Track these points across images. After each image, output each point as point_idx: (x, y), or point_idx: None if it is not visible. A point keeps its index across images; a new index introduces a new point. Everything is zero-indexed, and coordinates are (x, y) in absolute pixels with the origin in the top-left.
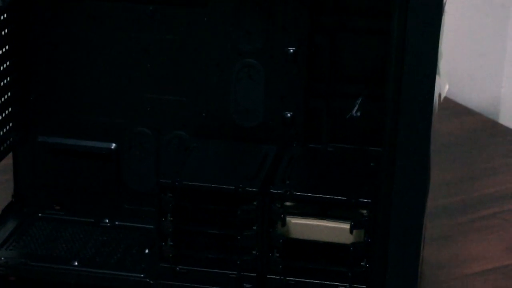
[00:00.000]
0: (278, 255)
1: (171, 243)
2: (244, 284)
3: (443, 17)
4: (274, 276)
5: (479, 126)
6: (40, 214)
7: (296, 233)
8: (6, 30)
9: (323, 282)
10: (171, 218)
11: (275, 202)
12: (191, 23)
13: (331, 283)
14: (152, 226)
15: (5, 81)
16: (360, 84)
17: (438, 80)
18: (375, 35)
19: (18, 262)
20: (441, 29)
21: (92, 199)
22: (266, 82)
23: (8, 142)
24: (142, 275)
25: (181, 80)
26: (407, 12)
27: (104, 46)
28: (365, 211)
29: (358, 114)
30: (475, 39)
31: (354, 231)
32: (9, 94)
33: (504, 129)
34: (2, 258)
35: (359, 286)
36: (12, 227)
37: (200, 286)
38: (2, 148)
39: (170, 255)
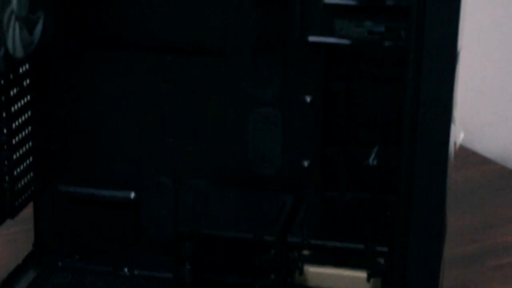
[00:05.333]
0: None
1: None
2: None
3: (457, 65)
4: None
5: (495, 174)
6: (60, 263)
7: (313, 282)
8: (27, 81)
9: None
10: (189, 267)
11: (293, 251)
12: (209, 72)
13: None
14: (171, 275)
15: (26, 131)
16: (376, 132)
17: (453, 128)
18: (391, 82)
19: None
20: (456, 77)
21: (111, 248)
22: (283, 130)
23: (28, 191)
24: None
25: (199, 129)
26: (422, 60)
27: (123, 95)
28: (382, 260)
29: (375, 162)
30: (491, 87)
31: (371, 280)
32: (30, 144)
33: None
34: None
35: None
36: (33, 277)
37: None
38: (22, 198)
39: None
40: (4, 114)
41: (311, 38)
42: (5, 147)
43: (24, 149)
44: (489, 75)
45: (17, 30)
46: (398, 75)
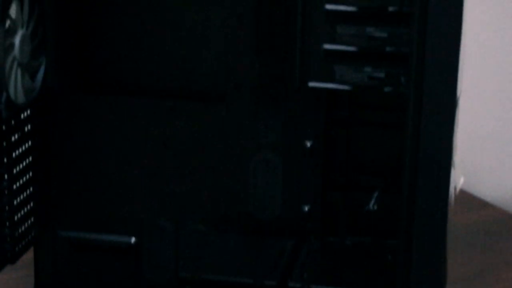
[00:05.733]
0: None
1: None
2: None
3: (457, 111)
4: None
5: (496, 219)
6: None
7: None
8: (29, 126)
9: None
10: None
11: None
12: (209, 118)
13: None
14: None
15: (27, 176)
16: (376, 177)
17: (453, 173)
18: (391, 128)
19: None
20: (456, 122)
21: None
22: (284, 175)
23: (29, 237)
24: None
25: (200, 173)
26: (422, 106)
27: (124, 140)
28: None
29: (375, 207)
30: (491, 132)
31: None
32: (30, 189)
33: None
34: None
35: None
36: None
37: None
38: (23, 243)
39: None
40: (5, 160)
41: (311, 84)
42: (6, 192)
43: (25, 194)
44: (489, 120)
45: (19, 77)
46: (398, 120)
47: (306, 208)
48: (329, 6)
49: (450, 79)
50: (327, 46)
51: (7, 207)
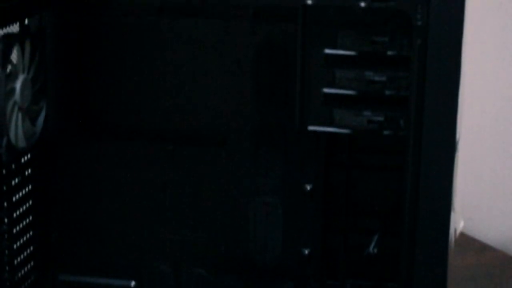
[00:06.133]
0: None
1: None
2: None
3: (456, 154)
4: None
5: (496, 262)
6: None
7: None
8: (29, 170)
9: None
10: None
11: None
12: (210, 162)
13: None
14: None
15: (27, 220)
16: (376, 220)
17: (453, 216)
18: (390, 171)
19: None
20: (455, 165)
21: None
22: (284, 219)
23: (29, 281)
24: None
25: (200, 218)
26: (421, 150)
27: (124, 184)
28: None
29: (375, 250)
30: (491, 175)
31: None
32: (30, 233)
33: None
34: None
35: None
36: None
37: None
38: (23, 287)
39: None
40: (5, 204)
41: (311, 127)
42: (6, 236)
43: (24, 238)
44: (488, 163)
45: (20, 121)
46: (397, 163)
47: (306, 252)
48: (328, 50)
49: (449, 123)
50: (327, 90)
51: (6, 251)
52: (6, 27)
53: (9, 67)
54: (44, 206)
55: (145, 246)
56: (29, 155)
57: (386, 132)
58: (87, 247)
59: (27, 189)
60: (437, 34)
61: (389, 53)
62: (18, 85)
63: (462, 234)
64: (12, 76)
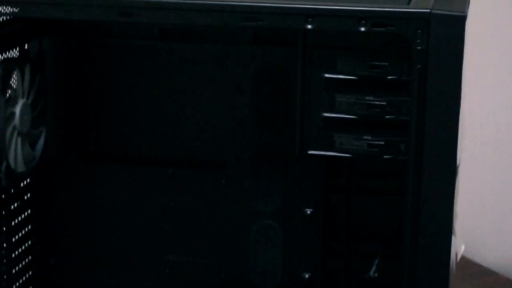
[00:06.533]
0: None
1: None
2: None
3: (457, 178)
4: None
5: (498, 286)
6: None
7: None
8: (28, 195)
9: None
10: None
11: None
12: (210, 185)
13: None
14: None
15: (26, 244)
16: (376, 244)
17: (454, 240)
18: (390, 195)
19: None
20: (456, 189)
21: None
22: (284, 243)
23: None
24: None
25: (200, 242)
26: (422, 174)
27: (123, 208)
28: None
29: (376, 275)
30: (492, 199)
31: None
32: (29, 258)
33: None
34: None
35: None
36: None
37: None
38: None
39: None
40: (4, 228)
41: (311, 152)
42: (5, 261)
43: (23, 263)
44: (489, 187)
45: (19, 145)
46: (398, 188)
47: (307, 276)
48: (328, 75)
49: (449, 147)
50: (327, 114)
51: (5, 276)
52: (6, 52)
53: (8, 92)
54: (43, 230)
55: (145, 270)
56: (28, 180)
57: (386, 156)
58: (87, 271)
59: (26, 214)
60: (437, 58)
61: (389, 77)
62: (17, 109)
63: (463, 258)
64: (12, 101)
